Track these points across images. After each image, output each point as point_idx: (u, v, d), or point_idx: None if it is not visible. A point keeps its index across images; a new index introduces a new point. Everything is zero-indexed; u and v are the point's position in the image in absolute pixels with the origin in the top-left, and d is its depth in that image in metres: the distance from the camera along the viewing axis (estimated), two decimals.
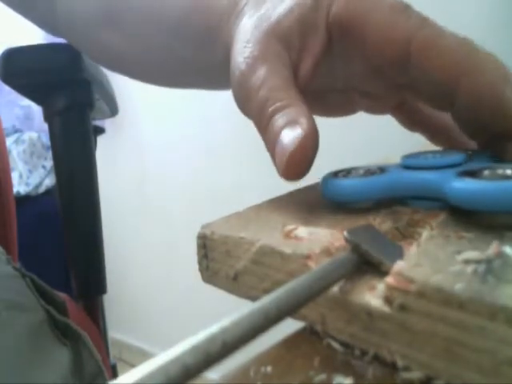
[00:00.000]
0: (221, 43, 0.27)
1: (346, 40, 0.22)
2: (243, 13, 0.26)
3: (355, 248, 0.14)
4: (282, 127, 0.19)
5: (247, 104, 0.22)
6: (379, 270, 0.13)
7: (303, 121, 0.19)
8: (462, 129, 0.22)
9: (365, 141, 0.90)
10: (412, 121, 0.27)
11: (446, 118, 0.24)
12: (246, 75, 0.22)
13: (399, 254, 0.14)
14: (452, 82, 0.19)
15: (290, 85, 0.21)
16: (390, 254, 0.13)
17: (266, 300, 0.11)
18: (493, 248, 0.13)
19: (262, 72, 0.22)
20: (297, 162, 0.18)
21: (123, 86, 0.83)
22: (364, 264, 0.14)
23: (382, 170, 0.19)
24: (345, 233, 0.14)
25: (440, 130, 0.26)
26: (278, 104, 0.20)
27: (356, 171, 0.20)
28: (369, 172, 0.19)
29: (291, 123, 0.19)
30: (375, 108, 0.28)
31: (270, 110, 0.20)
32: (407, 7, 0.21)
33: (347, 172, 0.20)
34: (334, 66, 0.25)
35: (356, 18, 0.21)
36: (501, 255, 0.13)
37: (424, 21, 0.20)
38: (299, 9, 0.22)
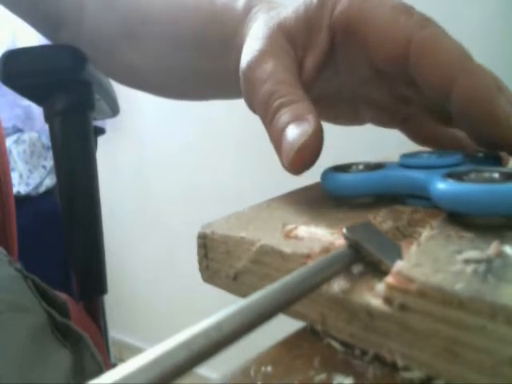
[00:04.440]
0: (235, 51, 0.28)
1: (349, 39, 0.23)
2: (255, 18, 0.27)
3: (354, 245, 0.14)
4: (288, 122, 0.20)
5: (252, 97, 0.23)
6: (378, 269, 0.13)
7: (310, 117, 0.19)
8: (469, 137, 0.21)
9: (365, 141, 0.90)
10: (420, 134, 0.27)
11: (454, 129, 0.24)
12: (252, 68, 0.23)
13: (398, 253, 0.14)
14: (446, 84, 0.19)
15: (296, 80, 0.22)
16: (390, 252, 0.13)
17: (256, 296, 0.11)
18: (493, 248, 0.13)
19: (268, 65, 0.22)
20: (303, 158, 0.19)
21: (124, 87, 0.83)
22: (360, 261, 0.14)
23: (380, 166, 0.19)
24: (344, 230, 0.14)
25: (450, 141, 0.25)
26: (283, 99, 0.20)
27: (356, 166, 0.20)
28: (367, 168, 0.20)
29: (298, 119, 0.19)
30: (382, 120, 0.28)
31: (276, 103, 0.20)
32: (409, 7, 0.21)
33: (347, 167, 0.20)
34: (337, 70, 0.25)
35: (358, 17, 0.22)
36: (501, 255, 0.13)
37: (425, 21, 0.20)
38: (305, 7, 0.23)
